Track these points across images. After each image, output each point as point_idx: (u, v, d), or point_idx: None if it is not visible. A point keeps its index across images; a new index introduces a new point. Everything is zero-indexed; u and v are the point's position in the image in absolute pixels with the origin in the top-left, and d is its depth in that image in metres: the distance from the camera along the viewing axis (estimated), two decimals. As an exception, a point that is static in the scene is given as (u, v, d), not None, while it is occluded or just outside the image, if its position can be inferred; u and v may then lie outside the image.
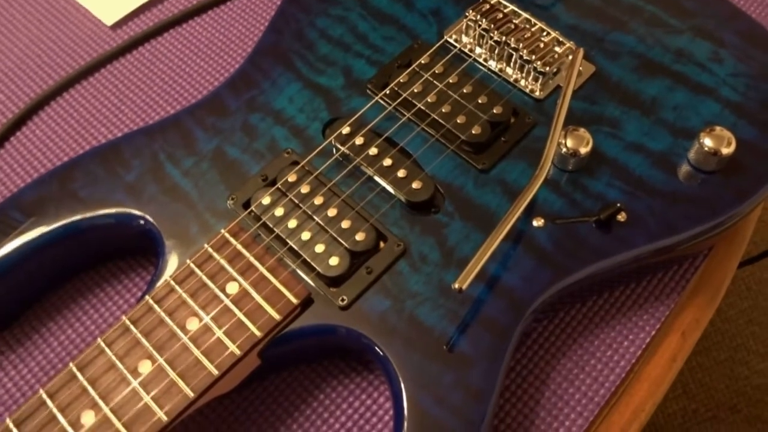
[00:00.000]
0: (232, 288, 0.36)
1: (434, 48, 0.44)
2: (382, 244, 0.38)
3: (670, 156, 0.40)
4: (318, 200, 0.38)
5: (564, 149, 0.39)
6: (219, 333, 0.34)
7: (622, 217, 0.38)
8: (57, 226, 0.39)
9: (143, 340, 0.34)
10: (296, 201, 0.38)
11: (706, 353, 1.02)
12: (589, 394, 0.38)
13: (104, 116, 0.50)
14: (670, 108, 0.41)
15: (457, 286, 0.33)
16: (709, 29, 0.44)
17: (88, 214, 0.39)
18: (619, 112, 0.41)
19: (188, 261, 0.37)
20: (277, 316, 0.35)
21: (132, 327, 0.35)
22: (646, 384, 0.40)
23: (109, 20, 0.54)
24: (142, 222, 0.39)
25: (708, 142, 0.38)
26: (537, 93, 0.42)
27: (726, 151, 0.38)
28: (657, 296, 0.41)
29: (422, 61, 0.43)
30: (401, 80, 0.42)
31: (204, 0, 0.54)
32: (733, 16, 0.45)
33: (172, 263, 0.38)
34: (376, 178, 0.39)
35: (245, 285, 0.36)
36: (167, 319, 0.35)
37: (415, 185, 0.39)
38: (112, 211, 0.40)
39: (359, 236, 0.37)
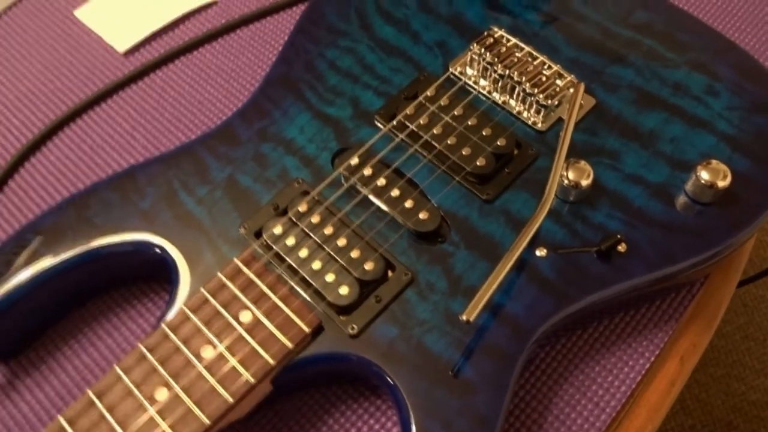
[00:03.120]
0: (245, 316, 0.37)
1: (440, 81, 0.45)
2: (390, 273, 0.39)
3: (668, 187, 0.41)
4: (328, 230, 0.40)
5: (566, 181, 0.40)
6: (233, 361, 0.35)
7: (622, 247, 0.39)
8: (73, 253, 0.40)
9: (159, 368, 0.35)
10: (307, 231, 0.40)
11: (703, 369, 1.03)
12: (591, 419, 0.40)
13: (117, 143, 0.51)
14: (667, 140, 0.43)
15: (464, 317, 0.34)
16: (704, 63, 0.46)
17: (104, 241, 0.41)
18: (619, 144, 0.43)
19: (202, 289, 0.38)
20: (289, 345, 0.36)
21: (148, 354, 0.36)
22: (645, 410, 0.41)
23: (122, 47, 0.55)
24: (156, 249, 0.40)
25: (704, 175, 0.40)
26: (539, 125, 0.44)
27: (722, 184, 0.40)
28: (655, 323, 0.43)
29: (428, 94, 0.44)
30: (408, 112, 0.44)
31: (214, 28, 0.56)
32: (727, 49, 0.47)
33: (186, 290, 0.39)
34: (385, 209, 0.40)
35: (258, 314, 0.37)
36: (183, 347, 0.36)
37: (422, 215, 0.40)
38: (127, 237, 0.41)
39: (368, 266, 0.38)
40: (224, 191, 0.42)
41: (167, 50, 0.55)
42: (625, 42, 0.47)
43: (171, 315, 0.38)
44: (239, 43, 0.56)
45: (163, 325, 0.37)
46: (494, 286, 0.35)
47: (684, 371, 0.42)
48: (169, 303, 0.39)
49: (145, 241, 0.41)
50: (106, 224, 0.41)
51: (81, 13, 0.57)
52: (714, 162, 0.40)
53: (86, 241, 0.40)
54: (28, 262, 0.40)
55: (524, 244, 0.37)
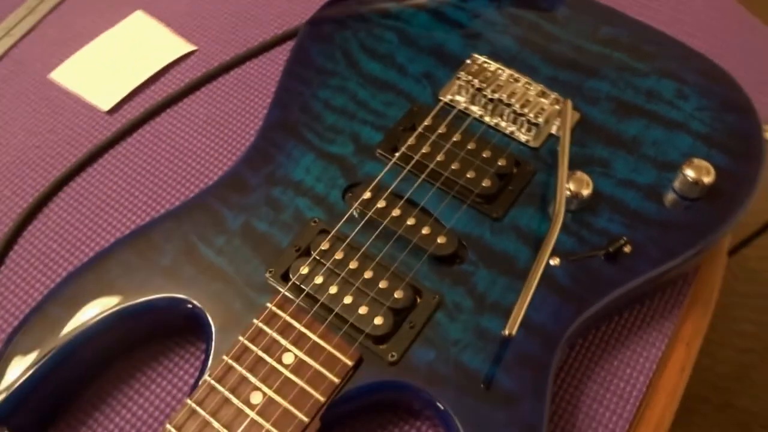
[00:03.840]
0: (288, 358, 0.38)
1: (435, 110, 0.47)
2: (418, 299, 0.41)
3: (658, 188, 0.45)
4: (353, 265, 0.41)
5: (568, 193, 0.43)
6: (284, 403, 0.36)
7: (627, 248, 0.42)
8: (99, 317, 0.40)
9: (212, 421, 0.36)
10: (333, 268, 0.41)
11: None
12: (618, 411, 0.42)
13: (116, 201, 0.51)
14: (650, 144, 0.46)
15: (506, 332, 0.36)
16: (671, 69, 0.50)
17: (129, 303, 0.41)
18: (607, 152, 0.46)
19: (241, 338, 0.39)
20: (336, 380, 0.37)
21: (199, 409, 0.36)
22: (663, 396, 0.44)
23: (105, 105, 0.55)
24: (187, 304, 0.41)
25: (690, 173, 0.43)
26: (532, 142, 0.47)
27: (707, 179, 0.43)
28: (661, 313, 0.46)
29: (426, 124, 0.47)
30: (410, 143, 0.46)
31: (195, 77, 0.57)
32: (689, 55, 0.51)
33: (223, 341, 0.39)
34: (402, 238, 0.42)
35: (300, 354, 0.38)
36: (232, 397, 0.37)
37: (440, 240, 0.42)
38: (153, 296, 0.41)
39: (398, 294, 0.40)
40: (242, 239, 0.43)
41: (153, 103, 0.55)
42: (597, 57, 0.51)
43: (211, 368, 0.38)
44: (223, 90, 0.57)
45: (207, 378, 0.37)
46: (527, 300, 0.37)
47: (691, 355, 0.46)
48: (207, 357, 0.39)
49: (172, 297, 0.41)
50: (129, 285, 0.41)
51: (57, 75, 0.57)
52: (696, 160, 0.44)
53: (111, 305, 0.41)
54: (54, 332, 0.40)
55: (545, 258, 0.39)
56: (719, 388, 1.13)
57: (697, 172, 0.43)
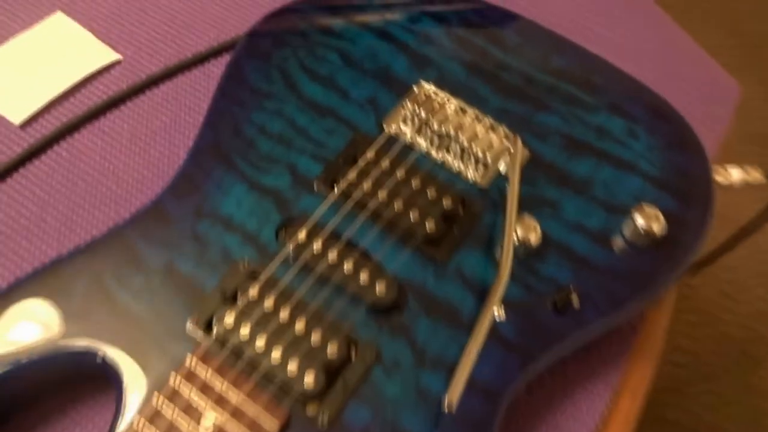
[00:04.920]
0: (210, 419, 0.34)
1: (379, 144, 0.44)
2: (354, 353, 0.38)
3: (606, 232, 0.43)
4: (284, 314, 0.38)
5: (515, 241, 0.40)
6: (202, 473, 0.33)
7: (574, 299, 0.40)
8: (-4, 368, 0.36)
9: (120, 493, 0.32)
10: (261, 318, 0.38)
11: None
12: (560, 468, 0.41)
13: (23, 227, 0.46)
14: (600, 185, 0.45)
15: (446, 405, 0.34)
16: (620, 105, 0.48)
17: (29, 352, 0.37)
18: (557, 193, 0.44)
19: (156, 394, 0.35)
20: (261, 446, 0.34)
21: (104, 479, 0.33)
22: (607, 448, 0.43)
23: (17, 119, 0.50)
24: (96, 353, 0.37)
25: (639, 221, 0.42)
26: (479, 181, 0.44)
27: (656, 227, 0.42)
28: (605, 363, 0.44)
29: (368, 157, 0.44)
30: (350, 178, 0.43)
31: (120, 90, 0.52)
32: (638, 90, 0.50)
33: (137, 398, 0.36)
34: (339, 284, 0.39)
35: (223, 414, 0.34)
36: (143, 466, 0.33)
37: (379, 288, 0.39)
38: (58, 344, 0.37)
39: (330, 349, 0.37)
40: (163, 280, 0.39)
41: (71, 118, 0.50)
42: (547, 88, 0.49)
43: (122, 428, 0.35)
44: (150, 105, 0.52)
45: (116, 443, 0.34)
46: (470, 366, 0.35)
47: (636, 405, 0.44)
48: (117, 415, 0.35)
49: (80, 345, 0.37)
50: (31, 331, 0.37)
51: (-38, 81, 0.52)
52: (646, 207, 0.42)
53: (9, 355, 0.36)
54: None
55: (489, 316, 0.37)
56: (652, 402, 1.15)
57: (647, 220, 0.42)
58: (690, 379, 1.18)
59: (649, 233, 0.41)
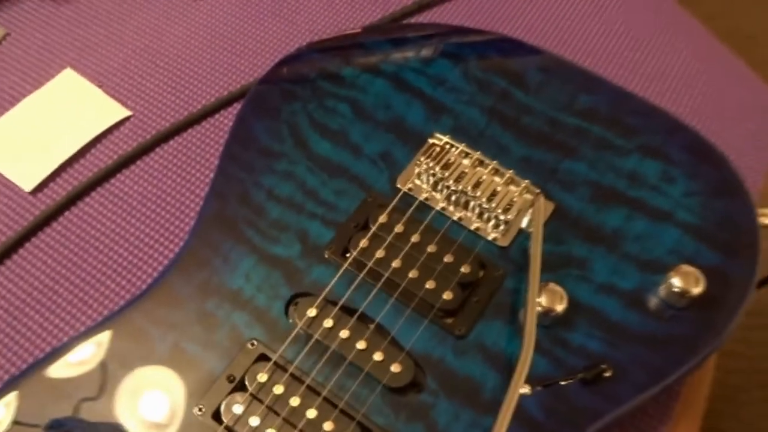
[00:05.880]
0: None
1: (391, 205, 0.42)
2: (369, 444, 0.35)
3: (641, 294, 0.40)
4: (295, 401, 0.36)
5: (539, 308, 0.38)
6: None
7: (608, 373, 0.37)
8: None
9: None
10: (271, 406, 0.36)
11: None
12: None
13: (35, 299, 0.45)
14: (632, 239, 0.41)
15: None
16: (656, 147, 0.44)
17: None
18: (586, 250, 0.41)
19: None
20: None
21: None
22: None
23: (28, 185, 0.49)
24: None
25: (677, 282, 0.38)
26: (500, 240, 0.41)
27: (696, 290, 0.38)
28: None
29: (381, 221, 0.41)
30: (362, 246, 0.40)
31: (128, 152, 0.51)
32: (675, 129, 0.46)
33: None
34: (354, 365, 0.37)
35: None
36: None
37: (395, 368, 0.37)
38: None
39: (344, 439, 0.35)
40: (170, 364, 0.38)
41: (80, 182, 0.49)
42: (572, 132, 0.45)
43: None
44: (159, 163, 0.51)
45: None
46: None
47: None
48: None
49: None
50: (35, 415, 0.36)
51: (-26, 148, 0.51)
52: (684, 267, 0.39)
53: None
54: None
55: (514, 398, 0.34)
56: (705, 412, 1.10)
57: (685, 281, 0.38)
58: (744, 386, 1.12)
59: (687, 294, 0.38)
